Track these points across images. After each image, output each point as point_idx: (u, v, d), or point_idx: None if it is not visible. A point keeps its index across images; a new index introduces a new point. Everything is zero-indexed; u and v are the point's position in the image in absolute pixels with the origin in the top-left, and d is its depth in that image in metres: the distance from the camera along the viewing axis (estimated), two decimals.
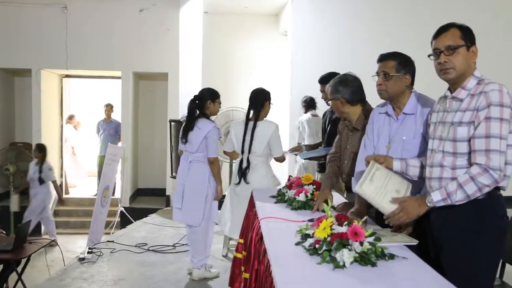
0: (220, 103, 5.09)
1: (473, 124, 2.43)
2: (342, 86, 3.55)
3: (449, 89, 2.62)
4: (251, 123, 5.07)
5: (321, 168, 5.00)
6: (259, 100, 5.10)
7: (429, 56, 2.62)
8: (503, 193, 2.54)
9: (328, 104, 4.92)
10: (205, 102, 4.97)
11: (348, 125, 3.71)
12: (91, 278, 5.23)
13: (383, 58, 3.04)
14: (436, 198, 2.47)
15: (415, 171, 2.85)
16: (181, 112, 8.78)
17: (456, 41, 2.52)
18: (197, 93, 5.08)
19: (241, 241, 3.91)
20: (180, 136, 5.03)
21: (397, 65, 2.96)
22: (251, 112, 5.13)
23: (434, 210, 2.53)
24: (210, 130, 4.88)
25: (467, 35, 2.53)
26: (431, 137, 2.69)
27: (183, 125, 5.01)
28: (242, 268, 3.56)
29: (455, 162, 2.49)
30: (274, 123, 5.11)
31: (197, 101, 5.00)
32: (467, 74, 2.53)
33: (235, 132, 5.16)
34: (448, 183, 2.47)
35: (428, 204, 2.50)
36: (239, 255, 3.88)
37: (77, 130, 11.59)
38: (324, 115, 5.23)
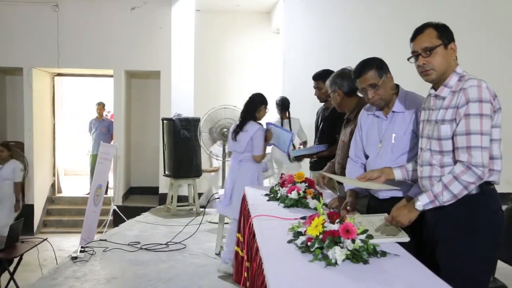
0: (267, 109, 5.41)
1: (455, 121, 2.43)
2: (340, 79, 3.63)
3: (433, 87, 2.63)
4: (286, 121, 7.12)
5: (314, 167, 4.99)
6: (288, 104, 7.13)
7: (408, 59, 2.64)
8: (497, 189, 2.55)
9: (320, 101, 4.93)
10: (259, 106, 5.20)
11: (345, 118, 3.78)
12: (84, 277, 5.22)
13: (360, 74, 3.00)
14: (424, 201, 2.48)
15: (416, 175, 2.85)
16: (174, 110, 8.77)
17: (432, 42, 2.53)
18: (252, 96, 5.31)
19: (239, 235, 3.97)
20: (230, 137, 5.34)
21: (377, 71, 2.95)
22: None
23: (428, 209, 2.53)
24: (256, 131, 5.14)
25: (444, 33, 2.54)
26: (420, 135, 2.71)
27: (235, 126, 5.31)
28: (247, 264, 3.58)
29: (442, 160, 2.50)
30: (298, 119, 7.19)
31: (252, 104, 5.24)
32: (448, 71, 2.53)
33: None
34: (434, 184, 2.48)
35: (417, 208, 2.50)
36: (238, 250, 3.97)
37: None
38: (317, 113, 5.23)
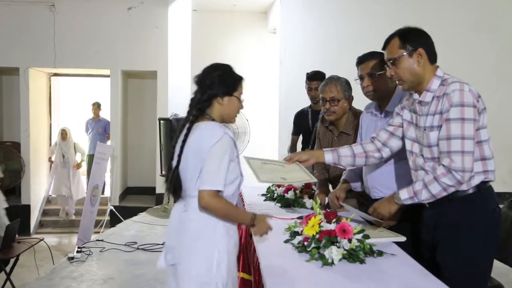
0: None
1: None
2: (349, 85, 3.50)
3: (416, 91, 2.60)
4: None
5: None
6: None
7: (385, 71, 2.65)
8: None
9: (314, 103, 4.88)
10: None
11: (332, 130, 3.67)
12: (81, 277, 5.21)
13: (362, 60, 3.03)
14: (403, 196, 2.50)
15: (348, 160, 2.93)
16: (170, 110, 8.76)
17: (394, 53, 2.54)
18: None
19: None
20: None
21: (380, 63, 2.93)
22: None
23: (427, 210, 2.54)
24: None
25: (408, 41, 2.51)
26: (406, 135, 2.70)
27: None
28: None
29: (435, 166, 2.48)
30: None
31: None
32: (424, 77, 2.51)
33: None
34: (416, 182, 2.50)
35: (397, 202, 2.53)
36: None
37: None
38: (300, 116, 5.15)
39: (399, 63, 2.52)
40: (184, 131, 2.52)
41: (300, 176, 2.78)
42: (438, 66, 2.55)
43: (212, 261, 2.40)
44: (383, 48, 2.63)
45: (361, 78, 3.06)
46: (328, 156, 2.92)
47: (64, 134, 10.04)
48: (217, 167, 2.37)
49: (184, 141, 2.49)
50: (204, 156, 2.39)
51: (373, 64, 2.98)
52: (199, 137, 2.45)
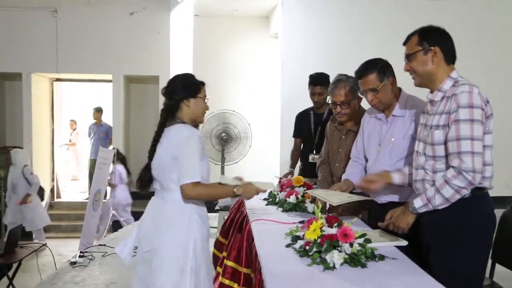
0: None
1: (448, 127, 2.44)
2: (357, 85, 3.38)
3: (430, 91, 2.64)
4: None
5: (303, 173, 4.81)
6: None
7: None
8: (491, 194, 2.56)
9: (318, 107, 4.83)
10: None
11: (340, 129, 3.70)
12: (83, 282, 5.21)
13: (361, 75, 3.02)
14: (417, 204, 2.51)
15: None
16: None
17: (411, 49, 2.58)
18: None
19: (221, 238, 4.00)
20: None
21: (378, 75, 2.95)
22: None
23: (424, 212, 2.54)
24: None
25: (425, 39, 2.55)
26: (417, 138, 2.72)
27: None
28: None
29: (435, 165, 2.52)
30: None
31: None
32: (437, 76, 2.54)
33: None
34: (428, 188, 2.50)
35: (412, 212, 2.54)
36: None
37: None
38: (300, 118, 5.06)
39: (414, 59, 2.56)
40: (155, 136, 2.96)
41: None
42: (454, 68, 2.57)
43: (188, 247, 2.77)
44: (404, 44, 2.67)
45: (364, 91, 3.06)
46: (396, 177, 2.86)
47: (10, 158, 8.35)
48: (190, 161, 2.74)
49: (156, 141, 2.95)
50: (175, 153, 2.78)
51: (371, 79, 2.97)
52: (170, 137, 2.86)
